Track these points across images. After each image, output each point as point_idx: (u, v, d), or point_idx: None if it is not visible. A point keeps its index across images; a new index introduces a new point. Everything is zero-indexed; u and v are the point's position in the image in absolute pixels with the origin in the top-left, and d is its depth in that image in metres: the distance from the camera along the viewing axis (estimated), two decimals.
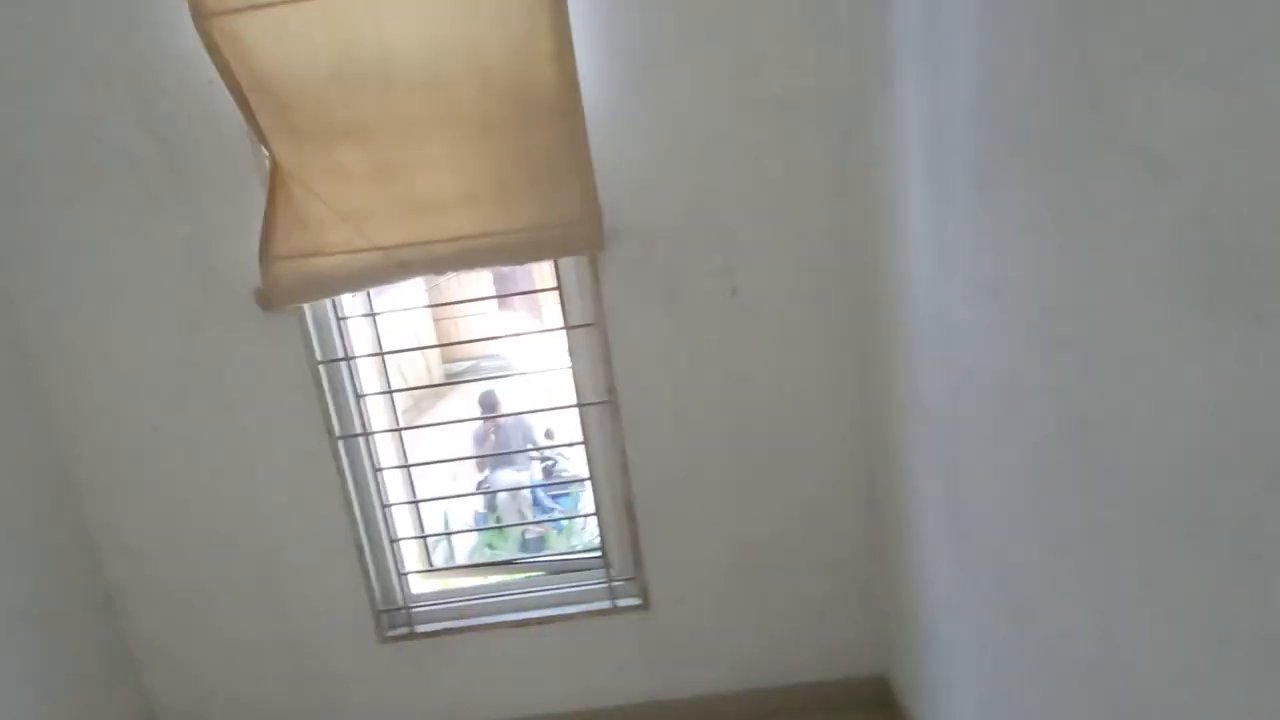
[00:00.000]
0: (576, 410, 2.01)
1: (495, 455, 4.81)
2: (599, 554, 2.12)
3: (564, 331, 1.95)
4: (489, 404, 5.03)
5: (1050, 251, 1.00)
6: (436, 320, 9.21)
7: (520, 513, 4.75)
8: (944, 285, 1.36)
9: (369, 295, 2.01)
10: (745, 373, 1.91)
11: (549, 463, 5.00)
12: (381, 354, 2.08)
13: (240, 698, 2.13)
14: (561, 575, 2.14)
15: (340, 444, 1.96)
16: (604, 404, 1.94)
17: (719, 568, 2.03)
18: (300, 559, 2.03)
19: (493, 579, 2.29)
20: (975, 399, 1.29)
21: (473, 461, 5.14)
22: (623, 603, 2.06)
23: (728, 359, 1.90)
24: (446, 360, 9.55)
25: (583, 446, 2.04)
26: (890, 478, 1.83)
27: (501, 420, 4.98)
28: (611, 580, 2.07)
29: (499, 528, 4.23)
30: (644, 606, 2.05)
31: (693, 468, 1.97)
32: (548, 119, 1.66)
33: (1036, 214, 1.02)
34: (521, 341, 7.36)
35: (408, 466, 2.14)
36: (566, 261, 1.90)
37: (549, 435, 4.99)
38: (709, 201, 1.81)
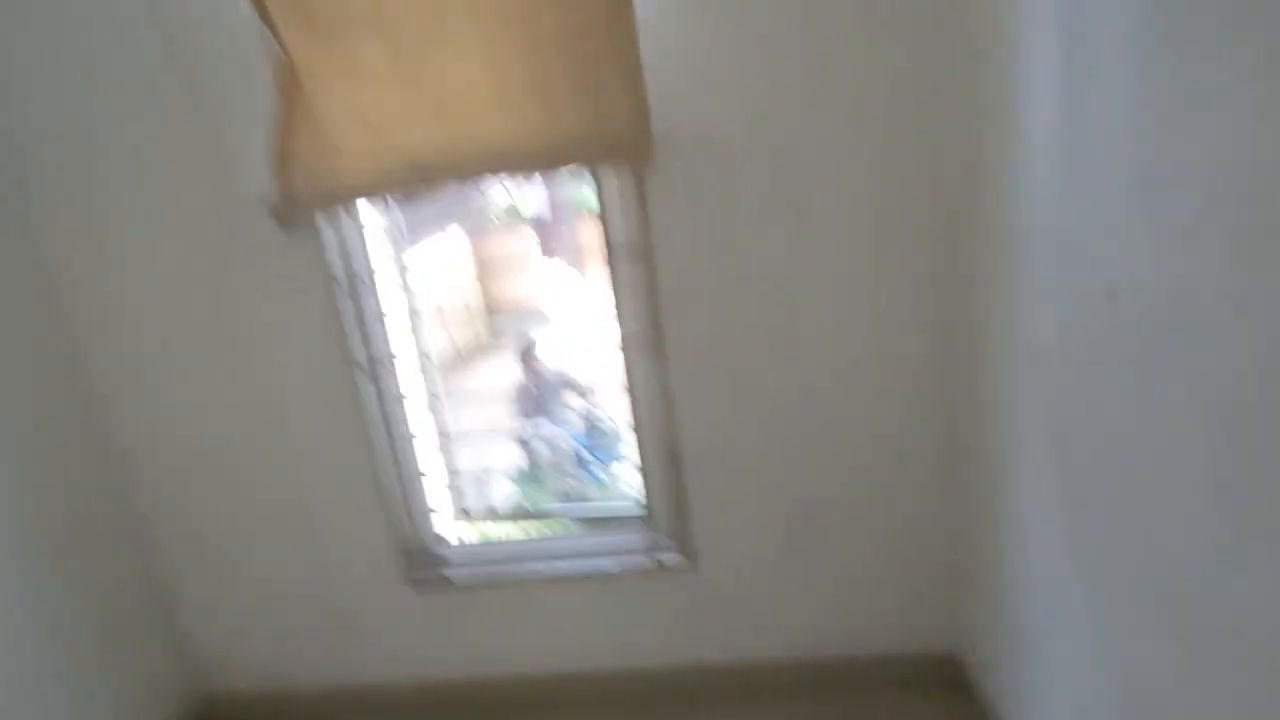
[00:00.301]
0: (619, 351, 1.81)
1: (530, 417, 4.70)
2: (642, 509, 1.95)
3: (604, 261, 1.73)
4: (528, 352, 4.88)
5: (1250, 132, 0.73)
6: (481, 279, 9.11)
7: (559, 468, 4.65)
8: (1075, 190, 1.10)
9: (398, 246, 1.84)
10: (810, 308, 1.67)
11: (590, 416, 4.86)
12: (403, 276, 1.91)
13: (269, 636, 2.07)
14: (602, 530, 1.98)
15: (362, 372, 1.82)
16: (648, 342, 1.73)
17: (774, 527, 1.83)
18: (327, 495, 1.92)
19: (529, 530, 2.15)
20: (1109, 334, 1.04)
21: (511, 417, 5.05)
22: (666, 560, 1.89)
23: (790, 292, 1.67)
24: (490, 314, 9.47)
25: (625, 393, 1.84)
26: (980, 431, 1.58)
27: (541, 372, 4.84)
28: (654, 537, 1.89)
29: (534, 470, 4.10)
30: (689, 566, 1.87)
31: (748, 415, 1.75)
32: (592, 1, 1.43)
33: (1236, 82, 0.75)
34: (565, 295, 7.20)
35: (434, 396, 1.99)
36: (610, 178, 1.68)
37: (591, 390, 4.84)
38: (777, 106, 1.55)
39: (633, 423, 1.85)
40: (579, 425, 4.84)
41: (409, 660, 2.05)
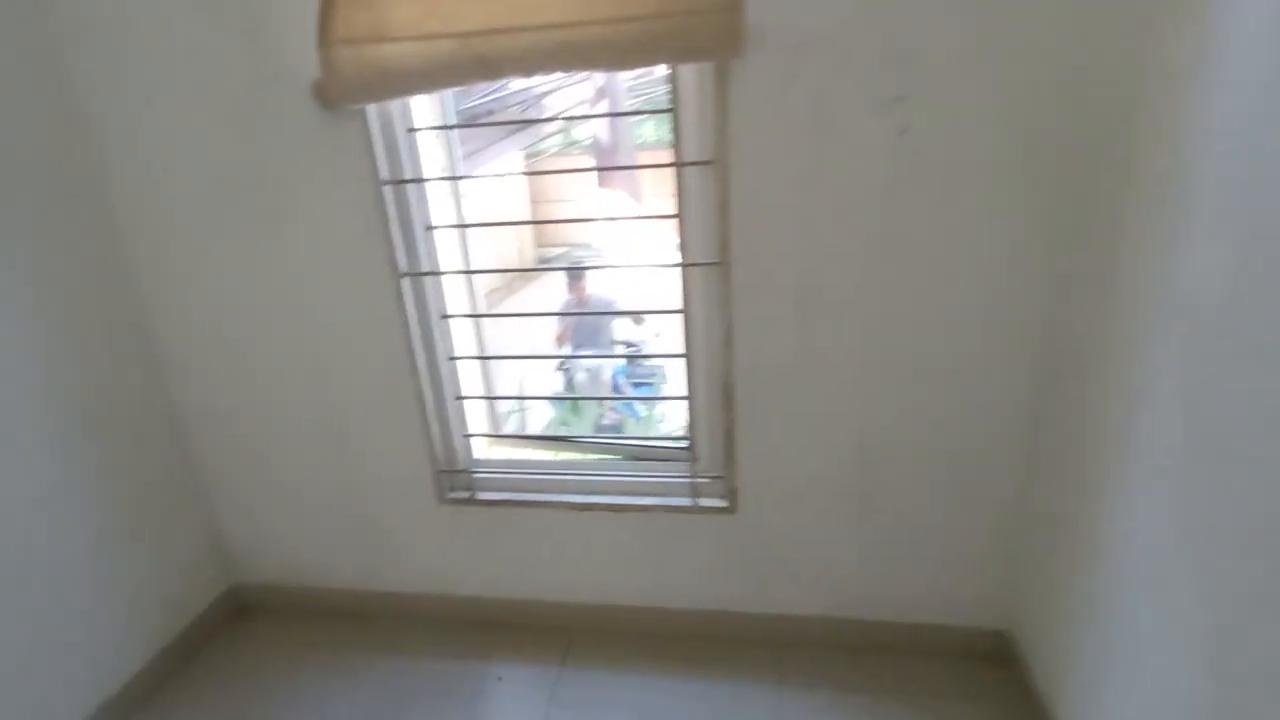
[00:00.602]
0: (679, 271, 1.65)
1: (577, 322, 4.59)
2: (685, 444, 1.83)
3: (674, 170, 1.56)
4: (575, 276, 4.73)
5: None
6: (534, 204, 8.90)
7: (599, 398, 4.58)
8: None
9: (452, 161, 1.69)
10: (902, 237, 1.48)
11: (633, 348, 4.75)
12: (453, 178, 1.77)
13: (300, 534, 2.06)
14: (640, 463, 1.88)
15: (406, 284, 1.71)
16: (713, 265, 1.57)
17: (826, 475, 1.70)
18: (363, 404, 1.85)
19: (564, 456, 2.07)
20: None
21: (553, 344, 4.97)
22: (706, 502, 1.78)
23: (882, 218, 1.47)
24: (540, 245, 9.31)
25: (680, 317, 1.69)
26: (1082, 392, 1.39)
27: (587, 300, 4.71)
28: (696, 475, 1.78)
29: (571, 399, 4.03)
30: (730, 508, 1.77)
31: (811, 351, 1.59)
32: None
33: None
34: (618, 226, 6.99)
35: (475, 316, 1.89)
36: (687, 74, 1.48)
37: (637, 320, 4.71)
38: None
39: (685, 351, 1.71)
40: (622, 357, 4.75)
41: (436, 574, 2.03)
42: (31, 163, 1.58)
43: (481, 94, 4.96)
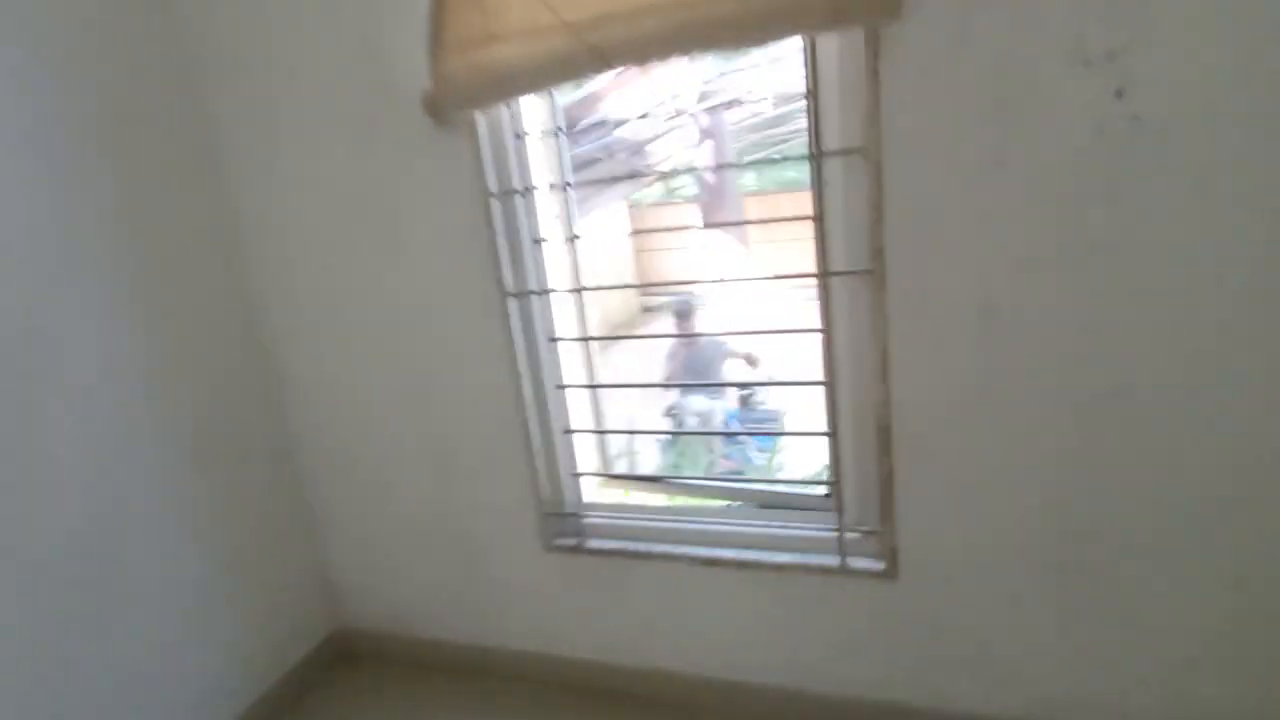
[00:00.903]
0: (818, 286, 1.40)
1: (687, 382, 4.38)
2: (826, 491, 1.54)
3: (810, 162, 1.34)
4: (684, 314, 4.54)
5: None
6: (636, 253, 8.89)
7: (709, 446, 4.31)
8: None
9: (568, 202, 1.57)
10: (1116, 237, 1.15)
11: (747, 393, 4.46)
12: (565, 204, 1.64)
13: (405, 580, 1.94)
14: (773, 512, 1.61)
15: (512, 303, 1.58)
16: (863, 274, 1.32)
17: (1013, 537, 1.35)
18: (465, 434, 1.72)
19: (681, 501, 1.83)
20: None
21: (662, 386, 4.77)
22: (857, 563, 1.48)
23: (1088, 212, 1.16)
24: (643, 294, 9.24)
25: (819, 339, 1.44)
26: None
27: (697, 341, 4.51)
28: (844, 529, 1.48)
29: (690, 433, 3.74)
30: (888, 573, 1.44)
31: (992, 381, 1.28)
32: None
33: None
34: (726, 268, 6.82)
35: (586, 340, 1.72)
36: (827, 49, 1.27)
37: (750, 361, 4.43)
38: None
39: (826, 378, 1.44)
40: (735, 400, 4.47)
41: (542, 631, 1.83)
42: (164, 190, 1.61)
43: (585, 143, 5.02)
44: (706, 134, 5.89)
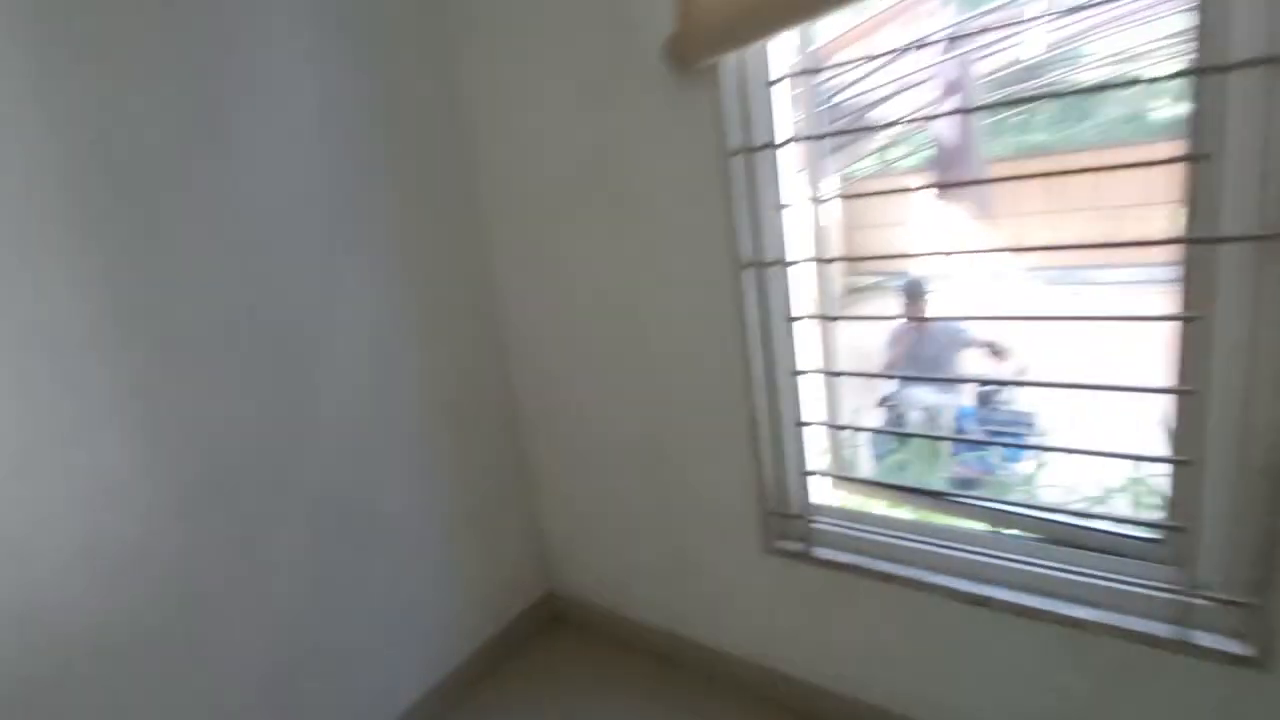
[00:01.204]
0: (1182, 251, 1.01)
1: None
2: (1158, 535, 1.15)
3: (1191, 81, 0.95)
4: (915, 295, 4.00)
5: None
6: (848, 231, 8.14)
7: (938, 448, 3.77)
8: None
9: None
10: None
11: (988, 389, 3.83)
12: (820, 135, 1.40)
13: (615, 557, 1.89)
14: (1065, 551, 1.25)
15: (748, 275, 1.39)
16: (1262, 240, 0.91)
17: None
18: (686, 415, 1.59)
19: (927, 516, 1.53)
20: None
21: (884, 376, 4.27)
22: (1207, 639, 1.08)
23: None
24: (851, 273, 8.48)
25: (1176, 329, 1.04)
26: None
27: (929, 327, 3.95)
28: (1189, 591, 1.09)
29: (909, 444, 3.31)
30: (1257, 661, 1.03)
31: None
32: None
33: None
34: (966, 242, 5.98)
35: (832, 319, 1.47)
36: None
37: (996, 352, 3.79)
38: None
39: (1180, 384, 1.05)
40: (971, 396, 3.87)
41: (754, 638, 1.66)
42: (423, 160, 1.66)
43: (825, 99, 4.60)
44: (952, 85, 5.13)
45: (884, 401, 4.22)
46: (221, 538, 1.33)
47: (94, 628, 1.17)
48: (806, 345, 1.49)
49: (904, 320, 4.02)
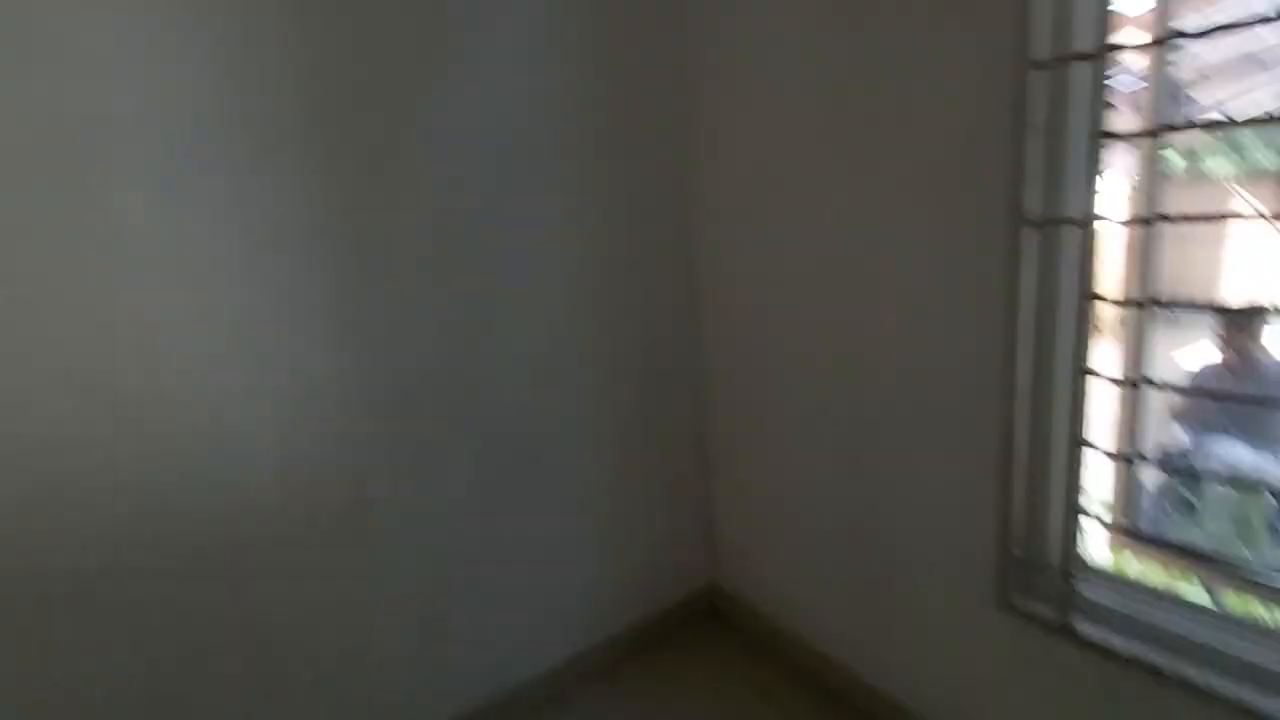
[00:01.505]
0: None
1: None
2: None
3: None
4: (1239, 329, 3.04)
5: None
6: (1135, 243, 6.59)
7: (1247, 518, 2.85)
8: None
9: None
10: None
11: None
12: (1175, 36, 0.99)
13: (792, 565, 1.64)
14: None
15: (1030, 235, 1.04)
16: None
17: None
18: (904, 415, 1.28)
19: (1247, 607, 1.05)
20: None
21: (1174, 430, 3.33)
22: None
23: None
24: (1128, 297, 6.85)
25: None
26: None
27: (1258, 369, 2.98)
28: None
29: (1205, 507, 2.52)
30: None
31: None
32: None
33: None
34: None
35: (1157, 306, 1.05)
36: None
37: None
38: None
39: None
40: None
41: (958, 706, 1.30)
42: (632, 93, 1.54)
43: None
44: None
45: (1168, 456, 3.31)
46: (397, 454, 1.35)
47: (273, 508, 1.23)
48: (1100, 341, 1.09)
49: (1222, 357, 3.08)
